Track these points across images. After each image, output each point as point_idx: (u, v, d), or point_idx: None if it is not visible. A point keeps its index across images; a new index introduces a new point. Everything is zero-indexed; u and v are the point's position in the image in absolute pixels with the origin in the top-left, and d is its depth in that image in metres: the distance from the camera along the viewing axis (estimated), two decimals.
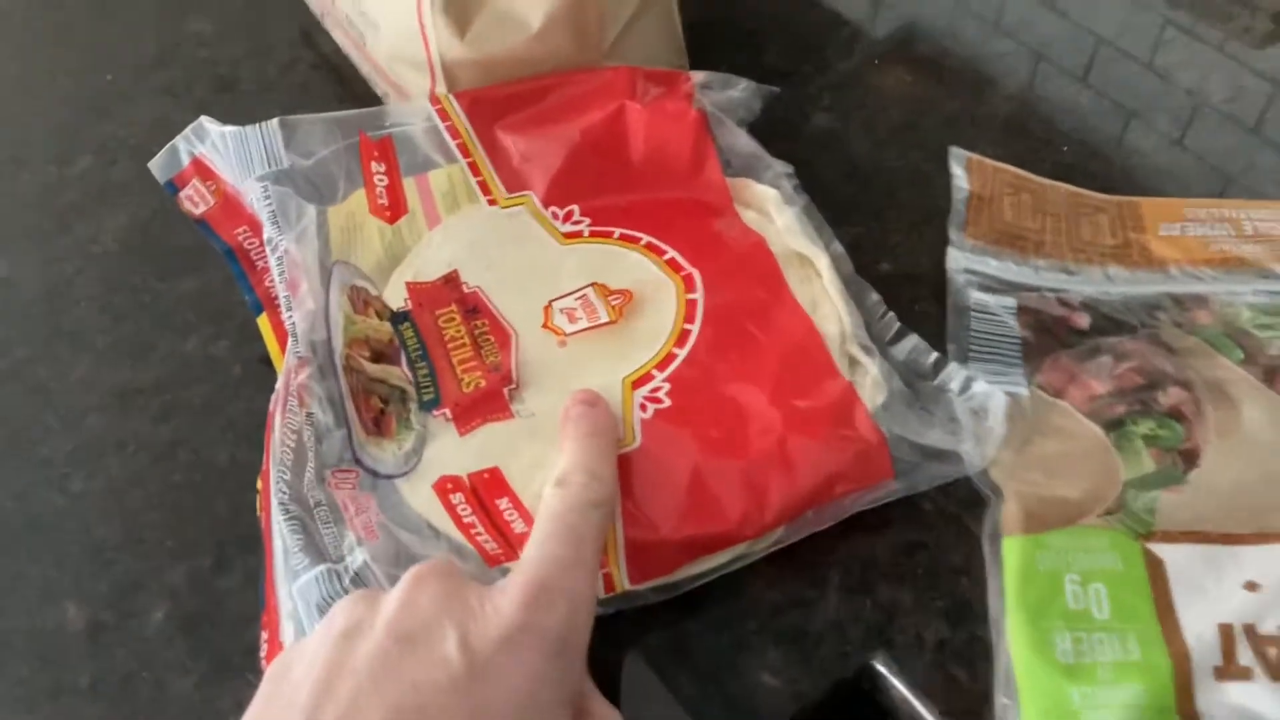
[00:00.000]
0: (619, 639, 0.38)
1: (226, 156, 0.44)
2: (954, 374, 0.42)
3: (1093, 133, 0.54)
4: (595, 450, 0.38)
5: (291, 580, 0.34)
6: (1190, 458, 0.40)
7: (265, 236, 0.42)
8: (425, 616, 0.31)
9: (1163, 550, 0.38)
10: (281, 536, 0.35)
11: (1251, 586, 0.37)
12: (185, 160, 0.46)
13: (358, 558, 0.35)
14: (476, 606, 0.32)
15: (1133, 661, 0.36)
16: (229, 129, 0.44)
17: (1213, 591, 0.37)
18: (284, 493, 0.36)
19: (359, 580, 0.35)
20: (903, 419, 0.42)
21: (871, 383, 0.42)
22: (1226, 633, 0.36)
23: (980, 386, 0.42)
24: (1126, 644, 0.36)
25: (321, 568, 0.35)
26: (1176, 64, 0.56)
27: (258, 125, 0.44)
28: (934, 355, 0.43)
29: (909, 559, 0.41)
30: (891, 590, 0.40)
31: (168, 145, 0.46)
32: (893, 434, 0.41)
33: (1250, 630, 0.36)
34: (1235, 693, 0.35)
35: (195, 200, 0.45)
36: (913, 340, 0.44)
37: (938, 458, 0.41)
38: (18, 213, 0.53)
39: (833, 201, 0.49)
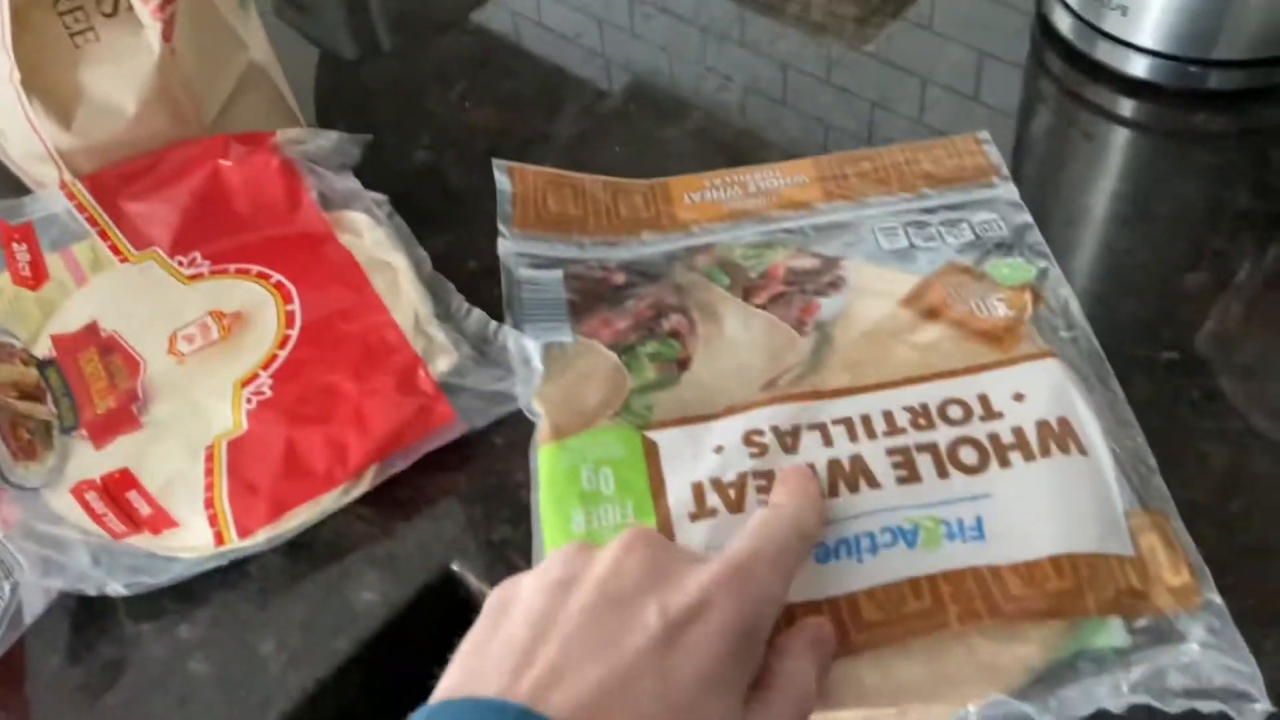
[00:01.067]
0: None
1: None
2: (507, 334, 0.53)
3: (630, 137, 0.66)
4: (808, 499, 0.43)
5: None
6: (684, 364, 0.51)
7: None
8: (631, 580, 0.35)
9: (657, 435, 0.48)
10: None
11: (719, 450, 0.47)
12: None
13: None
14: (677, 577, 0.35)
15: (629, 522, 0.45)
16: None
17: (690, 460, 0.47)
18: None
19: None
20: (473, 375, 0.52)
21: (439, 350, 0.52)
22: (698, 488, 0.46)
23: (525, 341, 0.52)
24: (625, 510, 0.46)
25: None
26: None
27: None
28: (494, 324, 0.54)
29: (484, 482, 0.51)
30: (468, 509, 0.50)
31: None
32: (464, 386, 0.52)
33: (716, 481, 0.46)
34: (702, 528, 0.45)
35: None
36: (478, 314, 0.55)
37: (498, 400, 0.52)
38: None
39: (430, 218, 0.60)
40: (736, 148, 0.65)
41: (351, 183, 0.60)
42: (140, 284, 0.56)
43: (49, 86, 0.54)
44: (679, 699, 0.32)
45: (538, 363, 0.51)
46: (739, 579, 0.36)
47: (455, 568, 0.48)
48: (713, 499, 0.46)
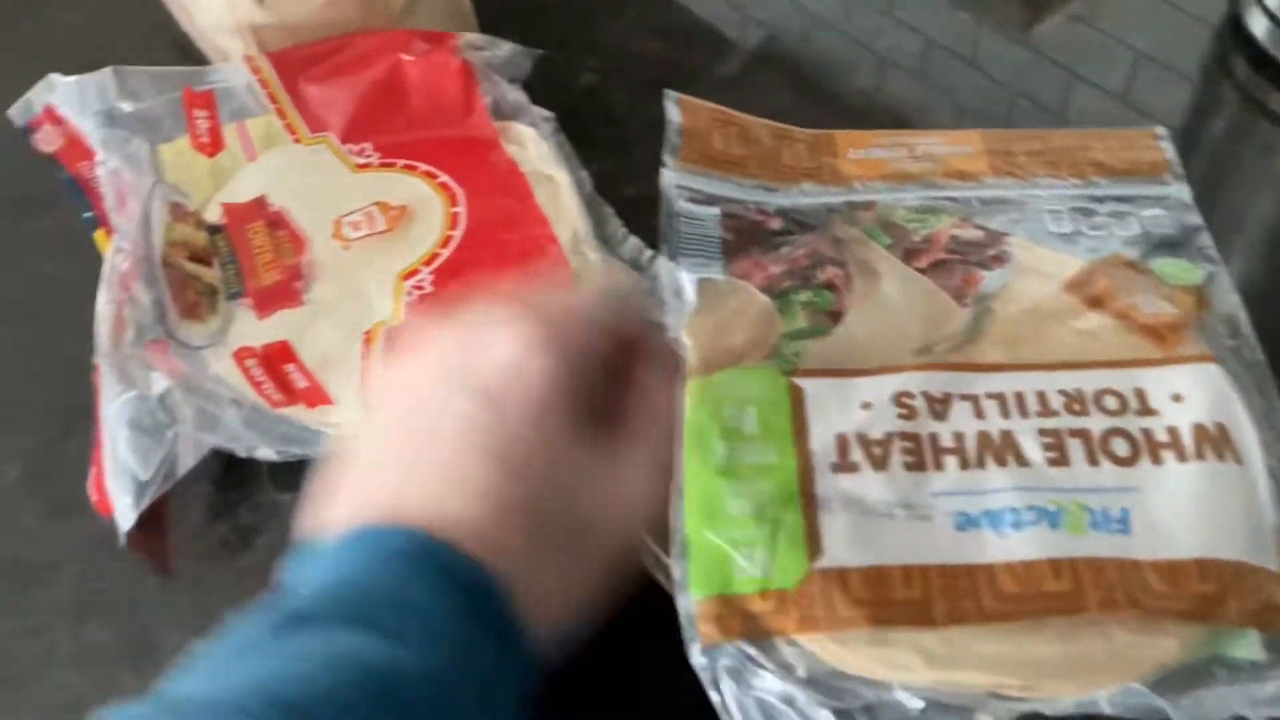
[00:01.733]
0: None
1: (70, 103, 0.54)
2: (661, 265, 0.53)
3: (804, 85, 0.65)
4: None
5: (109, 404, 0.44)
6: (836, 317, 0.51)
7: (98, 158, 0.52)
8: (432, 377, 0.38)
9: (804, 382, 0.48)
10: (103, 379, 0.45)
11: (867, 406, 0.47)
12: (38, 109, 0.56)
13: (160, 384, 0.45)
14: (485, 347, 0.38)
15: (770, 463, 0.46)
16: (72, 79, 0.54)
17: (837, 411, 0.47)
18: (102, 347, 0.46)
19: (163, 402, 0.45)
20: None
21: (593, 271, 0.53)
22: (843, 440, 0.46)
23: (680, 273, 0.52)
24: (766, 450, 0.46)
25: (132, 393, 0.45)
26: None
27: (94, 74, 0.55)
28: (649, 252, 0.54)
29: None
30: None
31: (22, 98, 0.56)
32: None
33: (862, 437, 0.46)
34: (845, 481, 0.45)
35: (48, 140, 0.56)
36: (633, 241, 0.55)
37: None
38: None
39: (590, 140, 0.60)
40: (898, 115, 0.64)
41: (520, 95, 0.60)
42: (310, 166, 0.57)
43: None
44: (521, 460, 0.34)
45: (691, 295, 0.52)
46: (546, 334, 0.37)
47: None
48: (856, 454, 0.46)
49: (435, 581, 0.31)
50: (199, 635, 0.32)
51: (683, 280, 0.52)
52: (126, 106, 0.55)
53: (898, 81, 0.66)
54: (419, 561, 0.32)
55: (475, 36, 0.60)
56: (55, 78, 0.55)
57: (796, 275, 0.53)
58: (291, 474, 0.48)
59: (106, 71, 0.55)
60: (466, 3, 0.64)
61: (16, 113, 0.56)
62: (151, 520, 0.48)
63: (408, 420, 0.36)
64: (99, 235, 0.54)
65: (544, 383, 0.36)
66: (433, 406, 0.36)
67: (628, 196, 0.58)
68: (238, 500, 0.49)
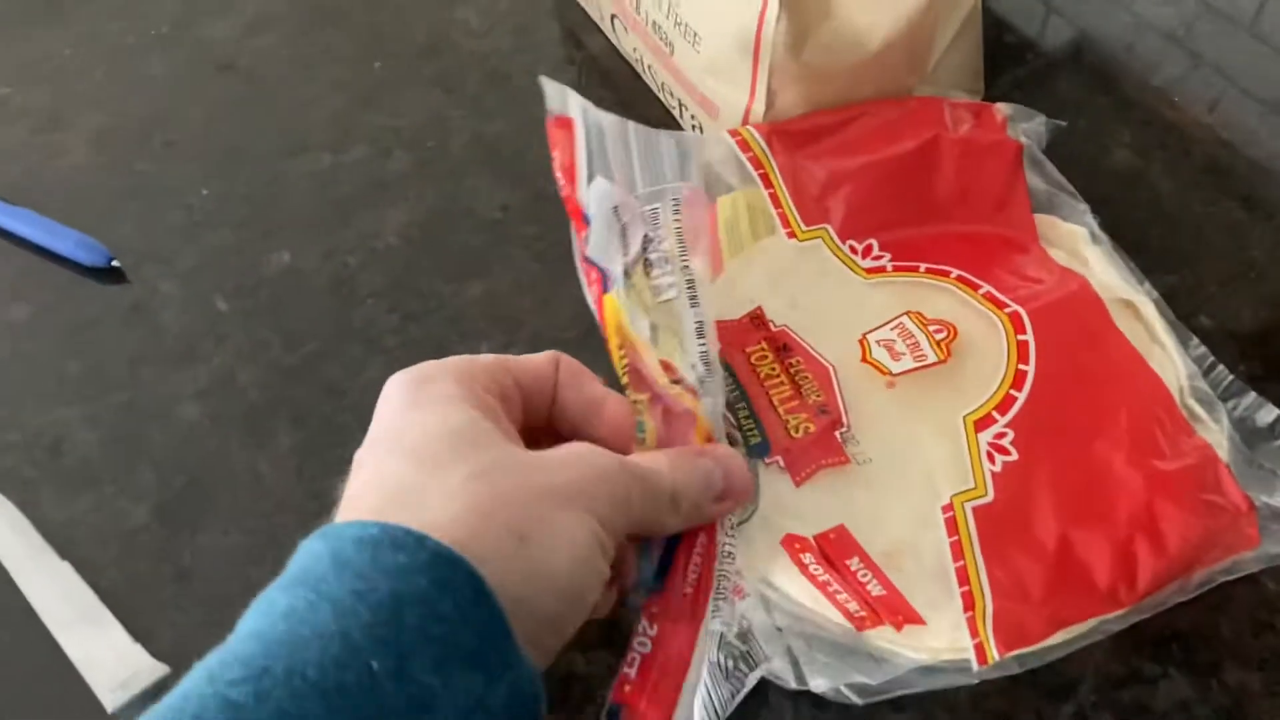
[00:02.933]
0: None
1: (617, 151, 0.38)
2: None
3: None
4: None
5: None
6: None
7: (660, 254, 0.37)
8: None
9: None
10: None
11: None
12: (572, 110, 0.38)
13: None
14: None
15: None
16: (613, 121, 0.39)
17: None
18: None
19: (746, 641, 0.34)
20: (1252, 480, 0.40)
21: (1218, 440, 0.40)
22: None
23: None
24: None
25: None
26: None
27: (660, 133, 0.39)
28: (1276, 412, 0.41)
29: (1255, 640, 0.39)
30: (1239, 673, 0.38)
31: (559, 86, 0.38)
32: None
33: None
34: None
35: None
36: (1249, 396, 0.42)
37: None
38: (297, 201, 0.53)
39: (1137, 245, 0.47)
40: None
41: (1057, 179, 0.47)
42: (807, 269, 0.45)
43: None
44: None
45: None
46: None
47: None
48: None
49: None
50: None
51: None
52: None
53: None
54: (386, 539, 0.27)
55: (1011, 107, 0.47)
56: (573, 95, 0.38)
57: None
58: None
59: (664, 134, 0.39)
60: (980, 61, 0.50)
61: (554, 95, 0.38)
62: None
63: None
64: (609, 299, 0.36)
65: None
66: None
67: (1200, 328, 0.45)
68: None
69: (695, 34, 0.46)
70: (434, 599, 0.25)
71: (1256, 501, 0.39)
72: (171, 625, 0.40)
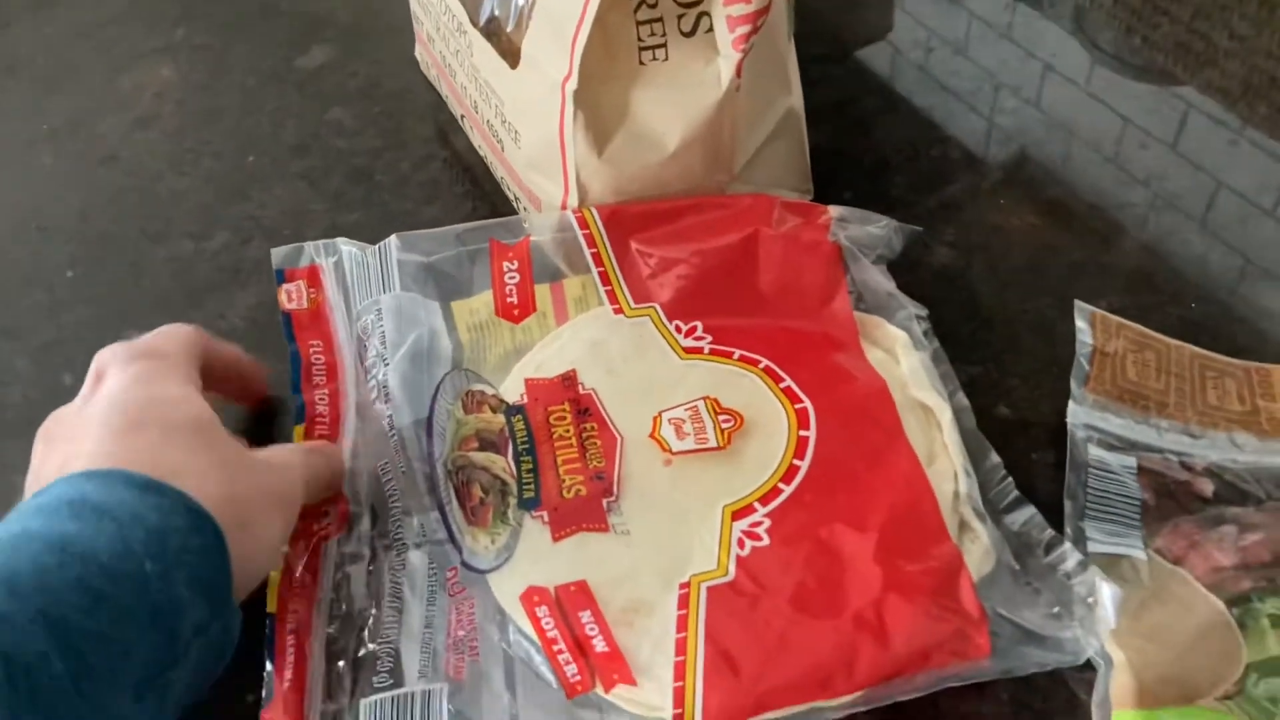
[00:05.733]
0: None
1: (337, 277, 0.48)
2: (1068, 555, 0.41)
3: (1222, 290, 0.53)
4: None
5: None
6: None
7: (367, 363, 0.46)
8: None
9: None
10: None
11: None
12: (305, 262, 0.49)
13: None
14: None
15: None
16: (355, 250, 0.48)
17: None
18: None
19: None
20: (1007, 595, 0.40)
21: (981, 551, 0.41)
22: None
23: (1103, 584, 0.40)
24: None
25: None
26: None
27: (378, 246, 0.48)
28: (1050, 532, 0.42)
29: None
30: None
31: (296, 245, 0.49)
32: (994, 610, 0.39)
33: None
34: None
35: (292, 297, 0.49)
36: (1028, 511, 0.42)
37: (1037, 642, 0.39)
38: (153, 285, 0.56)
39: (952, 341, 0.49)
40: None
41: (890, 285, 0.49)
42: (630, 341, 0.47)
43: (597, 101, 0.45)
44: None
45: (1111, 612, 0.39)
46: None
47: None
48: None
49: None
50: None
51: (1104, 592, 0.39)
52: (415, 257, 0.47)
53: None
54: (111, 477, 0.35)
55: (846, 210, 0.49)
56: (342, 245, 0.49)
57: (1256, 573, 0.40)
58: None
59: (391, 241, 0.48)
60: (806, 162, 0.53)
61: (279, 256, 0.49)
62: None
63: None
64: (298, 431, 0.46)
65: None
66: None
67: (999, 418, 0.47)
68: None
69: (517, 132, 0.49)
70: (189, 534, 0.34)
71: (1012, 616, 0.39)
72: None
